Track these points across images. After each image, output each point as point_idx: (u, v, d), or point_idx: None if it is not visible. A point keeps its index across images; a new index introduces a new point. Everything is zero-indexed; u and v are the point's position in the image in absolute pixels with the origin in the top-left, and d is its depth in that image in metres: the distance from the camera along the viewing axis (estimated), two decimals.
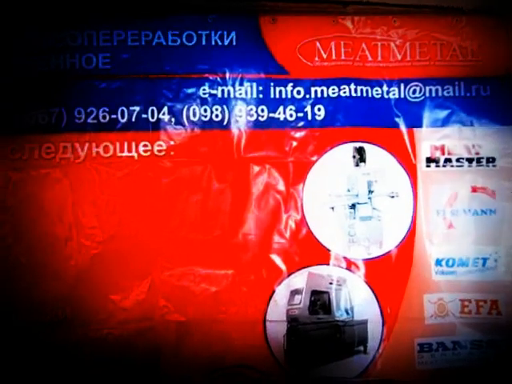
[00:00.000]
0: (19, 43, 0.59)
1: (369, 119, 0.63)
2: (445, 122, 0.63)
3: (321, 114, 0.62)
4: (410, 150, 0.62)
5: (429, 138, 0.63)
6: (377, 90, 0.63)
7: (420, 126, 0.63)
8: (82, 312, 0.58)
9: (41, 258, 0.58)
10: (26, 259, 0.57)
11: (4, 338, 0.57)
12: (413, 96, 0.63)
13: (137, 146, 0.59)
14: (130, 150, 0.59)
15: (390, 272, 0.61)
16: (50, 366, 0.58)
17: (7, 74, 0.59)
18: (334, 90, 0.62)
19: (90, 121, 0.59)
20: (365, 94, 0.63)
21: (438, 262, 0.62)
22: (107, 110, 0.59)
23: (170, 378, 0.59)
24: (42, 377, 0.58)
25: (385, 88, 0.63)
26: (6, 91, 0.59)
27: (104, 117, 0.59)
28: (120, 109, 0.59)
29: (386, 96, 0.63)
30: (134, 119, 0.59)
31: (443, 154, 0.63)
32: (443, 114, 0.63)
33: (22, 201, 0.58)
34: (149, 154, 0.59)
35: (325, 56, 0.62)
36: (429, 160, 0.63)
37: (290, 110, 0.61)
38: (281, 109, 0.61)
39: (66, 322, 0.58)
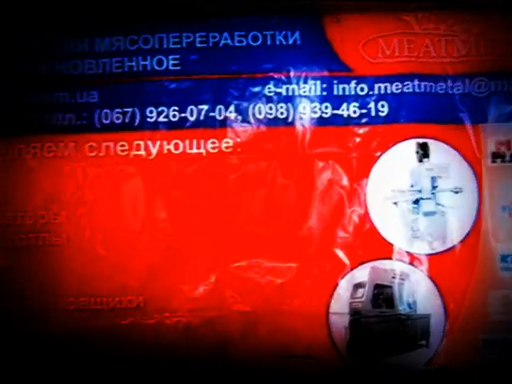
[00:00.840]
0: (94, 46, 0.63)
1: (432, 115, 0.63)
2: (510, 117, 0.63)
3: (384, 110, 0.62)
4: (474, 146, 0.62)
5: (494, 133, 0.62)
6: (441, 86, 0.63)
7: (485, 121, 0.62)
8: (154, 301, 0.61)
9: (117, 250, 0.61)
10: (104, 251, 0.61)
11: (82, 324, 0.61)
12: (478, 91, 0.63)
13: (205, 143, 0.62)
14: (198, 147, 0.62)
15: (454, 267, 0.61)
16: (123, 351, 0.62)
17: (83, 76, 0.63)
18: (397, 86, 0.63)
19: (161, 119, 0.62)
20: (428, 90, 0.63)
21: (504, 259, 0.61)
22: (177, 109, 0.62)
23: (237, 365, 0.62)
24: (115, 360, 0.62)
25: (449, 83, 0.63)
26: (82, 92, 0.63)
27: (174, 115, 0.62)
28: (189, 108, 0.62)
29: (450, 91, 0.63)
30: (202, 117, 0.62)
31: (509, 149, 0.62)
32: (509, 108, 0.63)
33: (98, 196, 0.62)
34: (217, 150, 0.62)
35: (388, 53, 0.63)
36: (494, 155, 0.62)
37: (354, 106, 0.62)
38: (344, 106, 0.62)
39: (139, 310, 0.61)
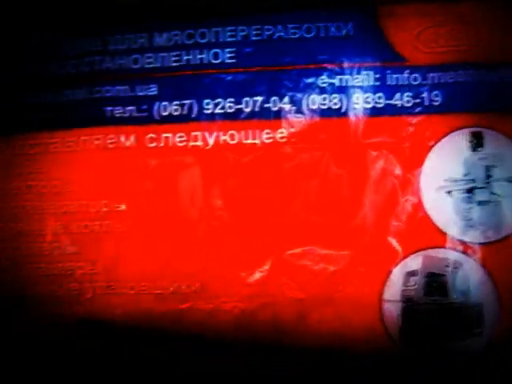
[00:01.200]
0: (153, 41, 0.65)
1: (487, 104, 0.63)
2: None
3: (437, 99, 0.63)
4: None
5: None
6: (494, 75, 0.63)
7: None
8: (211, 286, 0.63)
9: (176, 237, 0.64)
10: (164, 238, 0.64)
11: (142, 308, 0.64)
12: None
13: (260, 134, 0.64)
14: (254, 137, 0.64)
15: (508, 257, 0.61)
16: (180, 334, 0.64)
17: (142, 70, 0.65)
18: (450, 75, 0.63)
19: (217, 111, 0.64)
20: (482, 79, 0.63)
21: None
22: (233, 100, 0.64)
23: (291, 350, 0.63)
24: (172, 343, 0.64)
25: (503, 72, 0.63)
26: (141, 85, 0.65)
27: (230, 107, 0.64)
28: (244, 99, 0.64)
29: (504, 80, 0.63)
30: (257, 109, 0.64)
31: None
32: None
33: (158, 185, 0.64)
34: (271, 140, 0.63)
35: (441, 42, 0.63)
36: None
37: (407, 96, 0.63)
38: (397, 95, 0.63)
39: (196, 295, 0.63)
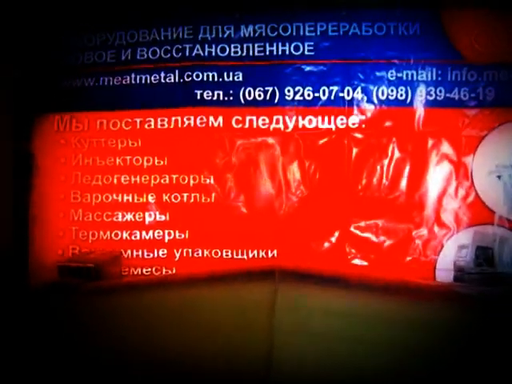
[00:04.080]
0: (240, 32, 0.73)
1: None
2: None
3: (491, 95, 0.71)
4: None
5: None
6: None
7: None
8: (285, 254, 0.72)
9: (256, 210, 0.72)
10: (246, 210, 0.72)
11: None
12: None
13: (335, 120, 0.72)
14: (329, 123, 0.72)
15: None
16: None
17: (230, 58, 0.73)
18: (504, 73, 0.71)
19: (297, 98, 0.72)
20: None
21: None
22: (311, 89, 0.72)
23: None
24: None
25: None
26: (228, 72, 0.73)
27: (309, 95, 0.72)
28: (322, 88, 0.72)
29: None
30: (332, 97, 0.72)
31: None
32: None
33: (242, 162, 0.72)
34: (344, 126, 0.72)
35: (497, 43, 0.71)
36: None
37: (464, 91, 0.71)
38: (456, 90, 0.71)
39: (273, 260, 0.72)
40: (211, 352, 0.41)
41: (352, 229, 0.72)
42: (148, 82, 0.72)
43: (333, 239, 0.72)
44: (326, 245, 0.72)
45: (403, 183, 0.71)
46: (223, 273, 0.59)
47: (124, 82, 0.73)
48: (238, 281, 0.51)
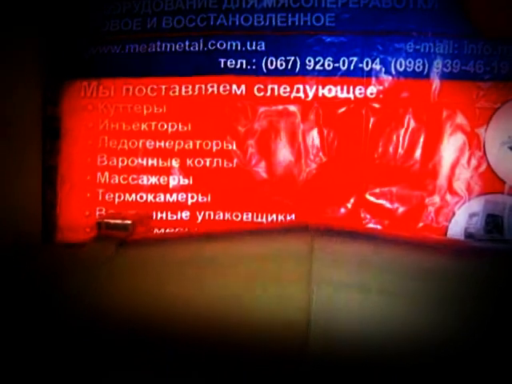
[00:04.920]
0: (263, 2, 0.75)
1: None
2: None
3: (506, 68, 0.74)
4: None
5: None
6: None
7: None
8: (303, 217, 0.75)
9: (276, 175, 0.75)
10: (266, 175, 0.75)
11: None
12: None
13: (353, 90, 0.74)
14: (348, 92, 0.74)
15: None
16: None
17: (253, 28, 0.75)
18: None
19: (317, 67, 0.74)
20: None
21: None
22: (331, 59, 0.74)
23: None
24: None
25: None
26: (251, 41, 0.75)
27: (329, 65, 0.74)
28: (342, 59, 0.74)
29: None
30: (352, 68, 0.74)
31: None
32: None
33: (264, 129, 0.75)
34: (362, 96, 0.74)
35: None
36: None
37: (479, 64, 0.74)
38: (471, 63, 0.74)
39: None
40: (250, 301, 0.43)
41: (367, 195, 0.75)
42: (173, 50, 0.75)
43: (348, 205, 0.75)
44: (342, 210, 0.75)
45: (418, 152, 0.74)
46: (257, 227, 0.62)
47: (149, 50, 0.75)
48: (272, 234, 0.53)
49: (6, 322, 0.43)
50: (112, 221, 0.52)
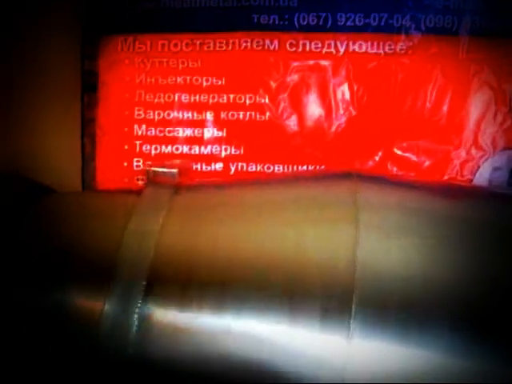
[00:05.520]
0: None
1: None
2: None
3: None
4: None
5: None
6: None
7: None
8: (333, 169, 0.78)
9: (307, 128, 0.78)
10: (297, 128, 0.78)
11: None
12: None
13: (384, 45, 0.76)
14: (378, 48, 0.76)
15: None
16: None
17: None
18: None
19: (348, 23, 0.76)
20: None
21: None
22: (362, 15, 0.76)
23: None
24: None
25: None
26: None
27: (360, 21, 0.76)
28: (372, 15, 0.76)
29: None
30: (382, 23, 0.76)
31: None
32: None
33: (296, 84, 0.77)
34: (392, 51, 0.76)
35: None
36: None
37: (508, 20, 0.75)
38: (500, 20, 0.75)
39: None
40: (299, 242, 0.44)
41: (395, 149, 0.77)
42: (207, 5, 0.77)
43: (376, 158, 0.77)
44: (370, 163, 0.78)
45: (445, 107, 0.76)
46: (299, 174, 0.65)
47: (184, 6, 0.78)
48: (316, 180, 0.54)
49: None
50: (160, 169, 0.54)
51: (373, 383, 0.39)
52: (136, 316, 0.42)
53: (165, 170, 0.57)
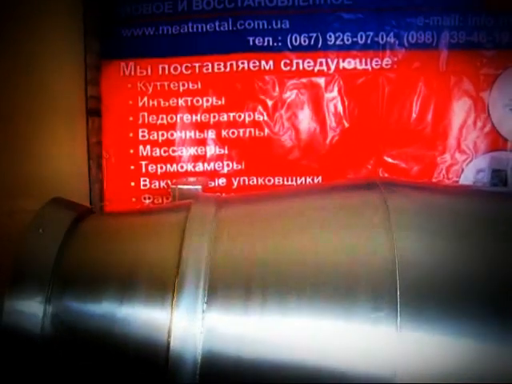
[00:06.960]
0: None
1: None
2: None
3: (506, 38, 0.82)
4: None
5: None
6: None
7: None
8: (330, 178, 0.83)
9: (303, 141, 0.83)
10: (295, 141, 0.83)
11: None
12: None
13: (371, 62, 0.82)
14: (366, 64, 0.82)
15: None
16: None
17: (277, 8, 0.82)
18: None
19: (338, 42, 0.82)
20: None
21: None
22: (350, 34, 0.82)
23: None
24: None
25: None
26: (277, 20, 0.82)
27: (348, 40, 0.82)
28: (359, 34, 0.81)
29: None
30: (369, 41, 0.82)
31: None
32: None
33: (291, 100, 0.82)
34: (379, 67, 0.82)
35: None
36: None
37: (483, 34, 0.82)
38: (476, 34, 0.82)
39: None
40: (338, 247, 0.48)
41: (385, 156, 0.83)
42: (204, 30, 0.82)
43: (369, 166, 0.83)
44: (363, 171, 0.83)
45: (429, 116, 0.83)
46: (326, 185, 0.68)
47: (182, 31, 0.82)
48: (344, 190, 0.58)
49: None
50: (185, 187, 0.58)
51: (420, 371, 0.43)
52: (201, 323, 0.45)
53: (190, 187, 0.61)
